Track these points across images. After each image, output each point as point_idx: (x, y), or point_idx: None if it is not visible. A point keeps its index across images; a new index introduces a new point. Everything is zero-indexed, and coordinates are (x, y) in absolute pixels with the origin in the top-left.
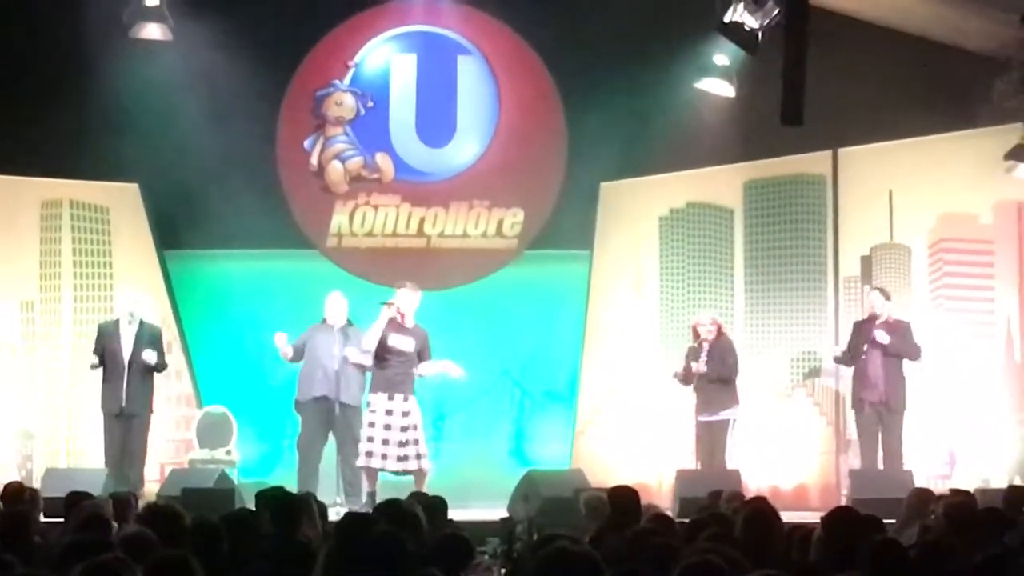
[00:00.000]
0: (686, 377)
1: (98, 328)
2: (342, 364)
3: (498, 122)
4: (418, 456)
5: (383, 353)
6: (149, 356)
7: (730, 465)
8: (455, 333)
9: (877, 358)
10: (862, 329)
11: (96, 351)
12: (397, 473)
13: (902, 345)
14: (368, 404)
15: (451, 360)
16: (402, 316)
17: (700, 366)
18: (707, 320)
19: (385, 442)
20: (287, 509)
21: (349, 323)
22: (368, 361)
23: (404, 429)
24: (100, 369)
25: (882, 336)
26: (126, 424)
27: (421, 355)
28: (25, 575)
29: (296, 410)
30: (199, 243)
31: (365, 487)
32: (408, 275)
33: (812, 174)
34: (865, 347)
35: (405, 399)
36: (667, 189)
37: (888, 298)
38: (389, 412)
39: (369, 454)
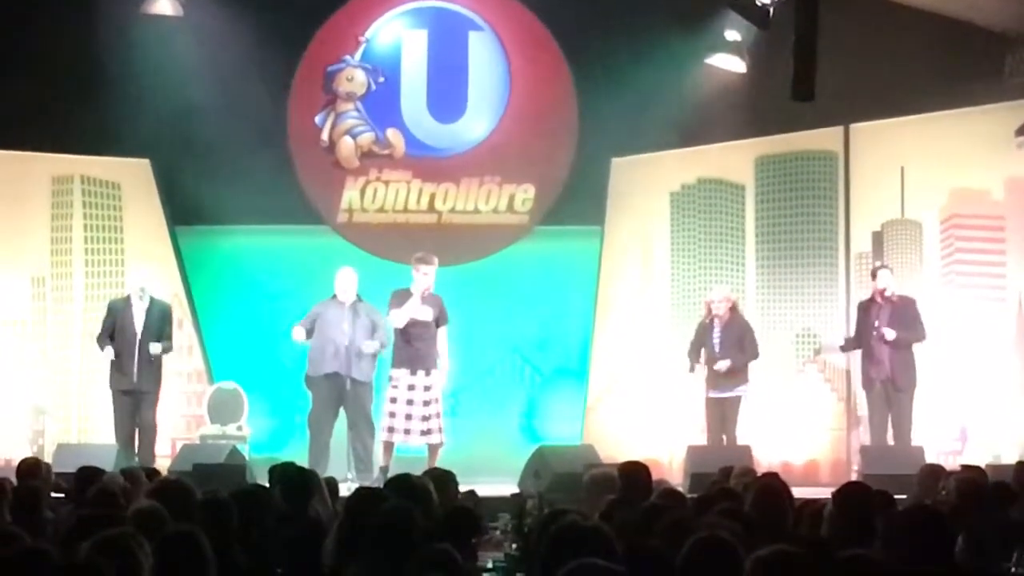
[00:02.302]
0: (708, 372)
1: (108, 305)
2: (352, 340)
3: (509, 98)
4: (440, 430)
5: (406, 327)
6: (155, 348)
7: (740, 441)
8: (466, 309)
9: (893, 332)
10: (868, 309)
11: (105, 328)
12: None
13: (907, 334)
14: (390, 379)
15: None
16: (428, 291)
17: (721, 365)
18: (719, 296)
19: (408, 417)
20: (299, 484)
21: (359, 298)
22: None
23: (426, 403)
24: (100, 340)
25: (888, 333)
26: (136, 401)
27: (438, 321)
28: (32, 549)
29: (306, 386)
30: (210, 219)
31: (380, 461)
32: (420, 250)
33: (823, 150)
34: (876, 324)
35: (427, 374)
36: (678, 165)
37: (893, 274)
38: (411, 387)
39: (391, 429)
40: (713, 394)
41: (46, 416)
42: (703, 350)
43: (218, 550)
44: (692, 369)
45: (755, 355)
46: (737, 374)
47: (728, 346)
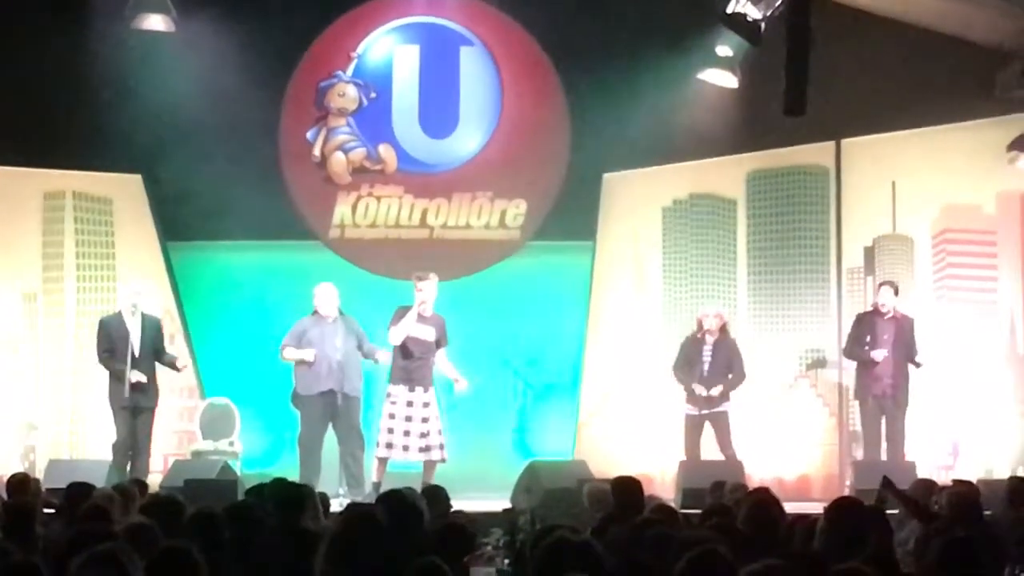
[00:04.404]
0: (700, 396)
1: (100, 323)
2: (345, 354)
3: (501, 113)
4: (441, 447)
5: (405, 343)
6: (179, 363)
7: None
8: (458, 324)
9: (887, 352)
10: (864, 321)
11: (103, 347)
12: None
13: (902, 353)
14: (388, 395)
15: (465, 380)
16: (425, 307)
17: (713, 391)
18: (712, 312)
19: (406, 433)
20: (292, 499)
21: (341, 313)
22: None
23: (425, 420)
24: (107, 360)
25: (878, 354)
26: (134, 416)
27: (439, 342)
28: (22, 563)
29: (294, 404)
30: (202, 234)
31: (373, 477)
32: (411, 266)
33: (815, 165)
34: (868, 339)
35: (425, 390)
36: (670, 180)
37: (897, 293)
38: (410, 404)
39: (390, 445)
40: (694, 411)
41: (37, 432)
42: (688, 367)
43: (210, 565)
44: (689, 389)
45: (742, 379)
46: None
47: (718, 366)
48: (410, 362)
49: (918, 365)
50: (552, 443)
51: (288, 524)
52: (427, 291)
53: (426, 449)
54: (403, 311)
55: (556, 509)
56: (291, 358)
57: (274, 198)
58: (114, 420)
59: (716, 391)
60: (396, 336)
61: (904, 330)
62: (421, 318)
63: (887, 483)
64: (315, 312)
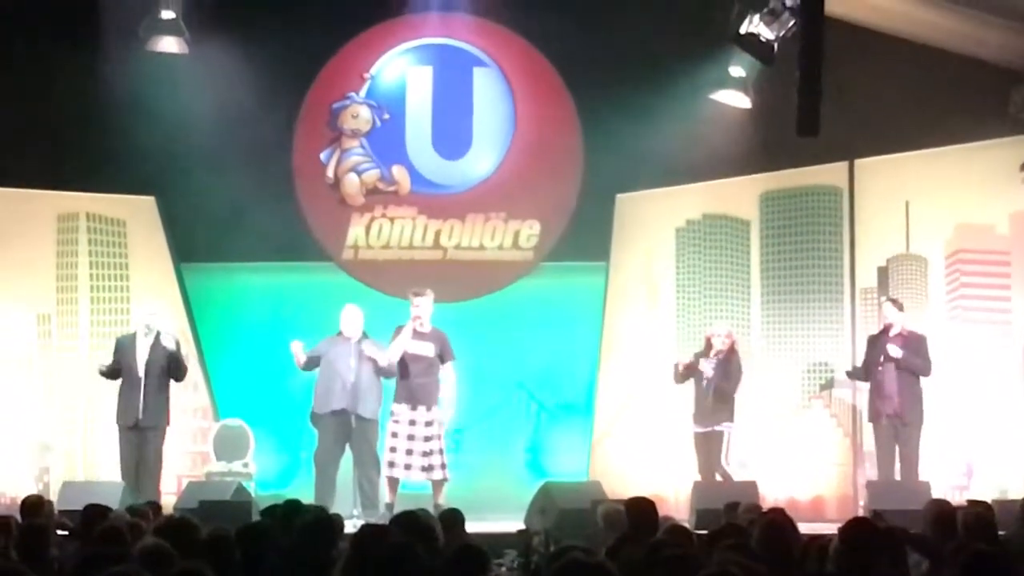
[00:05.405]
0: (685, 371)
1: (116, 341)
2: (359, 376)
3: (514, 134)
4: (442, 466)
5: (404, 360)
6: (168, 340)
7: (746, 477)
8: (471, 345)
9: (892, 371)
10: (877, 342)
11: (112, 362)
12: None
13: (913, 360)
14: (391, 414)
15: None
16: (420, 322)
17: (707, 370)
18: (722, 331)
19: (409, 452)
20: (325, 532)
21: (364, 335)
22: (391, 369)
23: (427, 439)
24: (115, 380)
25: (894, 350)
26: (142, 436)
27: (443, 357)
28: None
29: (312, 423)
30: (216, 256)
31: (385, 498)
32: (424, 287)
33: (828, 185)
34: (881, 358)
35: (428, 409)
36: (683, 201)
37: (901, 309)
38: (412, 422)
39: (392, 464)
40: (697, 429)
41: (52, 453)
42: (687, 370)
43: None
44: (681, 376)
45: (735, 389)
46: (720, 410)
47: (717, 382)
48: (410, 380)
49: (907, 362)
50: (566, 464)
51: (320, 554)
52: (423, 307)
53: (428, 468)
54: (400, 330)
55: (570, 530)
56: (293, 350)
57: (287, 219)
58: (119, 441)
59: (706, 371)
60: (392, 353)
61: (910, 348)
62: (417, 334)
63: (877, 517)
64: (340, 333)
